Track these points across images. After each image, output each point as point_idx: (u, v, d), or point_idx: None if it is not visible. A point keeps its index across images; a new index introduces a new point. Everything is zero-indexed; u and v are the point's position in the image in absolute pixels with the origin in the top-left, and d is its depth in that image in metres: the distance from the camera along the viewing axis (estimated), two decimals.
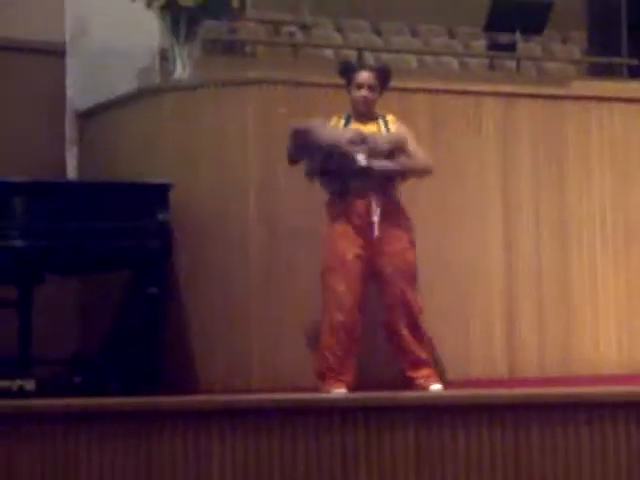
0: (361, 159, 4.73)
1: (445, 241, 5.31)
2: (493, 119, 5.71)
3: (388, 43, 9.32)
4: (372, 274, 4.82)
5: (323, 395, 4.52)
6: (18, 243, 4.86)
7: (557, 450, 4.01)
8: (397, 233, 4.83)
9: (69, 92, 6.13)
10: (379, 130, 4.89)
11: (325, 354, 4.77)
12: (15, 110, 6.03)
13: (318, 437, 4.00)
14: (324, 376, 4.77)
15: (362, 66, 5.07)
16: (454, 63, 9.16)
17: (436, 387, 4.82)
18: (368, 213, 4.78)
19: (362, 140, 4.76)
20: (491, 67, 8.79)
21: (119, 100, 5.74)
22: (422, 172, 4.94)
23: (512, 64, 8.89)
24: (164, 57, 6.06)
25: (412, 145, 4.89)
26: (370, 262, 4.80)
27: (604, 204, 5.82)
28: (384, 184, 4.81)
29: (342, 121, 4.91)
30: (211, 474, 3.95)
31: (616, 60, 8.83)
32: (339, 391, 4.69)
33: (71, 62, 6.15)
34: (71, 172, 6.07)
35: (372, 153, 4.76)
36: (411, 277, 4.85)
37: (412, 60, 8.97)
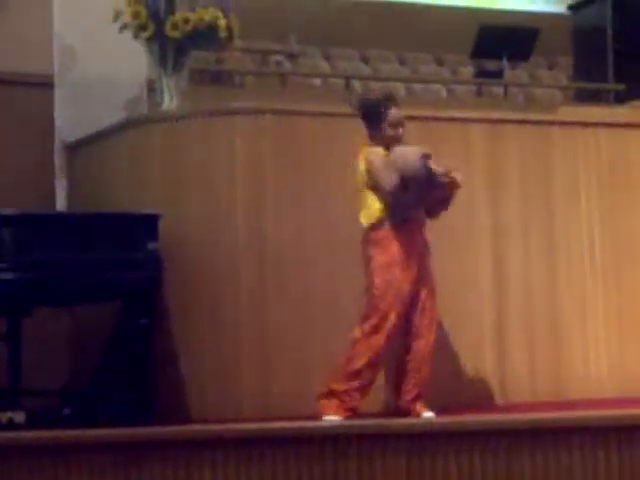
0: (444, 173, 4.74)
1: (435, 266, 5.32)
2: (481, 145, 5.75)
3: (376, 71, 9.39)
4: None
5: (315, 423, 4.52)
6: (7, 275, 4.85)
7: (549, 475, 4.01)
8: (431, 261, 4.94)
9: (57, 123, 6.15)
10: None
11: (350, 375, 4.75)
12: (3, 142, 6.04)
13: (310, 465, 4.00)
14: (334, 395, 4.74)
15: (391, 102, 4.89)
16: (442, 90, 9.22)
17: (428, 414, 4.82)
18: (421, 241, 4.84)
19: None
20: (479, 94, 8.85)
21: (107, 131, 5.77)
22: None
23: (499, 91, 8.95)
24: (152, 88, 6.10)
25: None
26: (415, 290, 4.84)
27: (592, 228, 5.85)
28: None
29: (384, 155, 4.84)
30: None
31: (602, 86, 8.90)
32: (332, 418, 4.69)
33: (59, 93, 6.18)
34: (60, 203, 6.08)
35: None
36: (436, 306, 4.93)
37: (400, 88, 9.02)
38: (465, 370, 5.52)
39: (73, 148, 6.10)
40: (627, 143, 6.01)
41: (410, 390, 4.86)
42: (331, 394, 4.77)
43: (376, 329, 4.76)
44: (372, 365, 4.78)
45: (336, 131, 5.31)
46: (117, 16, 5.77)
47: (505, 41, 8.63)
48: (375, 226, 4.83)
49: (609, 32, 9.22)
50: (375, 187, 4.78)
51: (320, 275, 5.32)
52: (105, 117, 5.90)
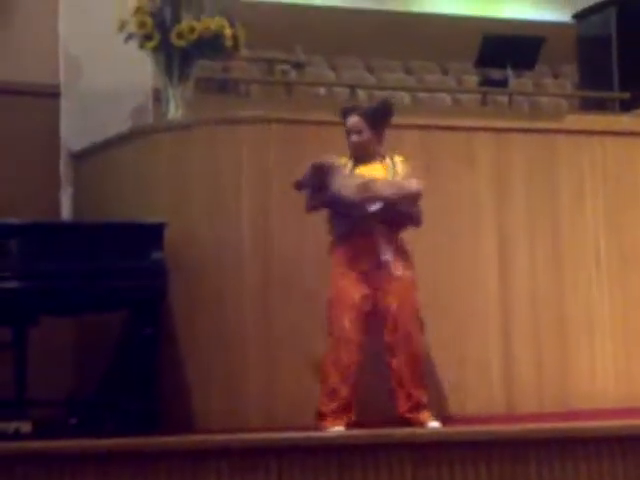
0: (371, 208, 4.73)
1: (440, 277, 5.31)
2: (486, 154, 5.73)
3: (381, 80, 9.40)
4: (377, 314, 4.82)
5: (320, 434, 4.50)
6: (13, 284, 4.85)
7: None
8: (402, 272, 4.84)
9: (63, 133, 6.16)
10: (386, 171, 4.88)
11: (330, 395, 4.75)
12: (9, 151, 6.04)
13: (316, 476, 3.98)
14: (325, 416, 4.75)
15: (349, 111, 4.99)
16: (447, 99, 9.22)
17: (434, 424, 4.80)
18: (375, 254, 4.78)
19: (367, 188, 4.76)
20: (484, 103, 8.85)
21: (113, 141, 5.76)
22: (414, 196, 4.87)
23: (504, 99, 8.94)
24: (157, 97, 6.09)
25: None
26: (377, 302, 4.81)
27: (598, 237, 5.83)
28: (390, 223, 4.82)
29: (349, 164, 4.91)
30: None
31: (608, 94, 8.89)
32: (337, 429, 4.67)
33: (65, 103, 6.18)
34: (66, 213, 6.08)
35: (377, 198, 4.75)
36: (414, 317, 4.85)
37: (405, 97, 9.02)
38: (471, 379, 5.49)
39: (79, 157, 6.10)
40: (633, 151, 5.99)
41: (401, 404, 4.82)
42: (322, 416, 4.76)
43: (337, 343, 4.76)
44: (345, 380, 4.74)
45: (341, 140, 5.29)
46: (123, 26, 5.77)
47: (510, 50, 8.62)
48: (333, 239, 4.88)
49: (614, 40, 9.21)
50: None
51: (325, 283, 5.30)
52: (111, 127, 5.90)
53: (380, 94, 8.77)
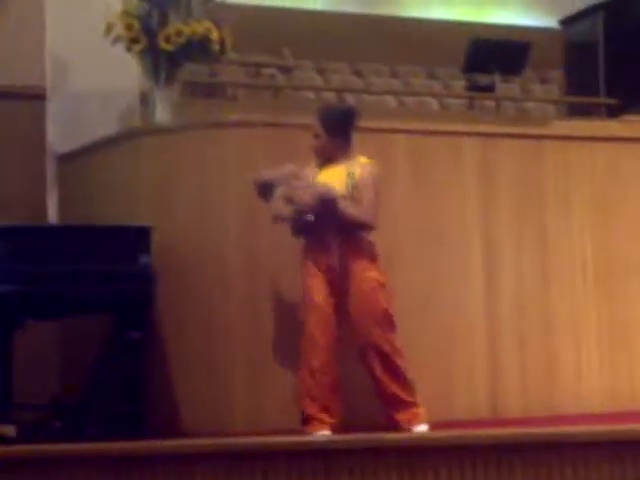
0: (307, 217, 4.77)
1: (427, 281, 5.31)
2: (473, 159, 5.74)
3: (368, 84, 9.39)
4: (344, 315, 4.82)
5: (306, 438, 4.50)
6: None
7: None
8: (362, 273, 4.80)
9: (50, 136, 6.14)
10: (346, 175, 4.83)
11: (307, 399, 4.76)
12: None
13: None
14: (308, 421, 4.75)
15: (316, 113, 4.97)
16: (434, 104, 9.23)
17: (421, 428, 4.79)
18: (331, 255, 4.78)
19: (290, 199, 4.78)
20: (471, 107, 8.86)
21: (99, 143, 5.75)
22: (361, 225, 4.81)
23: (491, 104, 8.95)
24: (144, 100, 6.09)
25: (366, 194, 4.79)
26: (340, 303, 4.80)
27: (585, 242, 5.85)
28: (340, 227, 4.79)
29: (316, 167, 4.91)
30: None
31: (594, 100, 8.92)
32: (322, 433, 4.67)
33: (52, 106, 6.17)
34: (52, 216, 6.06)
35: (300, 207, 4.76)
36: (379, 317, 4.80)
37: (392, 101, 9.03)
38: (457, 384, 5.50)
39: (65, 160, 6.09)
40: (619, 157, 6.01)
41: (383, 404, 4.84)
42: (306, 419, 4.76)
43: (304, 345, 4.77)
44: (318, 383, 4.74)
45: (299, 143, 5.30)
46: (110, 29, 5.76)
47: (497, 55, 8.63)
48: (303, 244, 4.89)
49: (600, 46, 9.24)
50: None
51: None
52: (98, 129, 5.89)
53: (368, 98, 8.77)
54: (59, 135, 6.14)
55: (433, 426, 4.86)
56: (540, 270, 5.75)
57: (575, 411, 5.58)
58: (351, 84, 9.28)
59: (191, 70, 6.88)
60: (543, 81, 10.07)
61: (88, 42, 5.99)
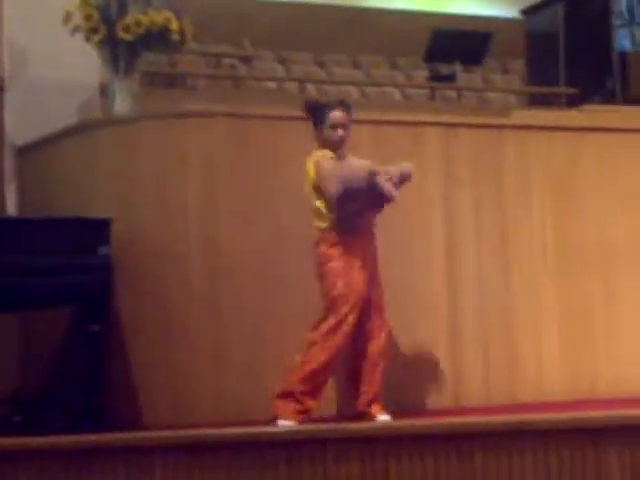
0: (392, 190, 4.73)
1: (390, 272, 5.32)
2: (435, 148, 5.76)
3: (330, 75, 9.39)
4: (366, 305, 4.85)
5: (268, 429, 4.49)
6: None
7: (500, 478, 4.02)
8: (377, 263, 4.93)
9: (8, 127, 6.09)
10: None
11: (308, 380, 4.72)
12: None
13: (263, 471, 3.98)
14: (290, 397, 4.72)
15: (334, 105, 4.93)
16: (396, 94, 9.24)
17: (383, 417, 4.82)
18: (373, 245, 4.87)
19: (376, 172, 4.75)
20: (432, 97, 8.87)
21: (58, 134, 5.71)
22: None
23: (453, 94, 8.97)
24: (104, 91, 6.04)
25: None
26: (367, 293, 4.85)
27: (544, 231, 5.89)
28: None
29: (332, 160, 4.85)
30: None
31: (554, 90, 8.96)
32: (286, 423, 4.67)
33: (10, 96, 6.11)
34: (11, 208, 6.01)
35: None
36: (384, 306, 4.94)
37: (354, 91, 9.02)
38: (419, 373, 5.52)
39: (24, 152, 6.03)
40: (579, 147, 6.05)
41: (366, 392, 4.86)
42: (287, 395, 4.75)
43: (334, 331, 4.75)
44: (327, 367, 4.77)
45: (290, 134, 5.29)
46: (68, 18, 5.72)
47: (458, 45, 8.65)
48: (329, 230, 4.82)
49: (561, 37, 9.27)
50: (321, 192, 4.78)
51: (271, 279, 5.30)
52: (57, 120, 5.83)
53: (330, 89, 8.76)
54: (17, 126, 6.08)
55: (397, 414, 4.88)
56: (500, 258, 5.78)
57: (536, 399, 5.62)
58: (313, 75, 9.26)
59: (150, 60, 6.85)
60: (504, 71, 10.11)
61: (47, 32, 5.94)
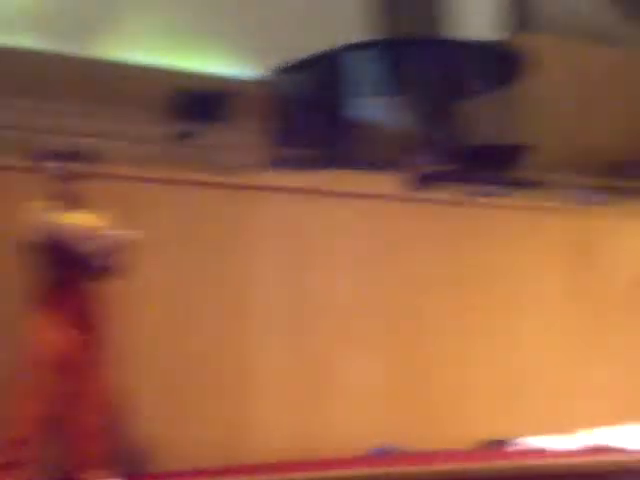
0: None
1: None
2: (167, 207, 5.64)
3: (61, 125, 8.96)
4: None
5: None
6: None
7: None
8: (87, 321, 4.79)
9: None
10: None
11: (20, 446, 4.54)
12: None
13: None
14: (7, 468, 4.52)
15: (62, 156, 4.91)
16: (132, 149, 8.95)
17: None
18: (83, 305, 4.73)
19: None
20: (169, 155, 8.68)
21: None
22: None
23: (191, 152, 8.83)
24: None
25: None
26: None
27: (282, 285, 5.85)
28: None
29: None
30: None
31: (299, 152, 9.00)
32: None
33: None
34: None
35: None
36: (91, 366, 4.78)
37: (88, 144, 8.65)
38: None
39: None
40: (326, 210, 6.05)
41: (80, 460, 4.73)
42: (5, 466, 4.54)
43: (34, 391, 4.57)
44: (37, 429, 4.60)
45: (9, 184, 4.92)
46: None
47: (201, 104, 8.62)
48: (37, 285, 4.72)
49: (306, 99, 9.43)
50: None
51: None
52: None
53: (60, 140, 8.34)
54: None
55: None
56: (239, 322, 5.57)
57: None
58: (38, 124, 8.79)
59: None
60: (248, 131, 10.07)
61: None
